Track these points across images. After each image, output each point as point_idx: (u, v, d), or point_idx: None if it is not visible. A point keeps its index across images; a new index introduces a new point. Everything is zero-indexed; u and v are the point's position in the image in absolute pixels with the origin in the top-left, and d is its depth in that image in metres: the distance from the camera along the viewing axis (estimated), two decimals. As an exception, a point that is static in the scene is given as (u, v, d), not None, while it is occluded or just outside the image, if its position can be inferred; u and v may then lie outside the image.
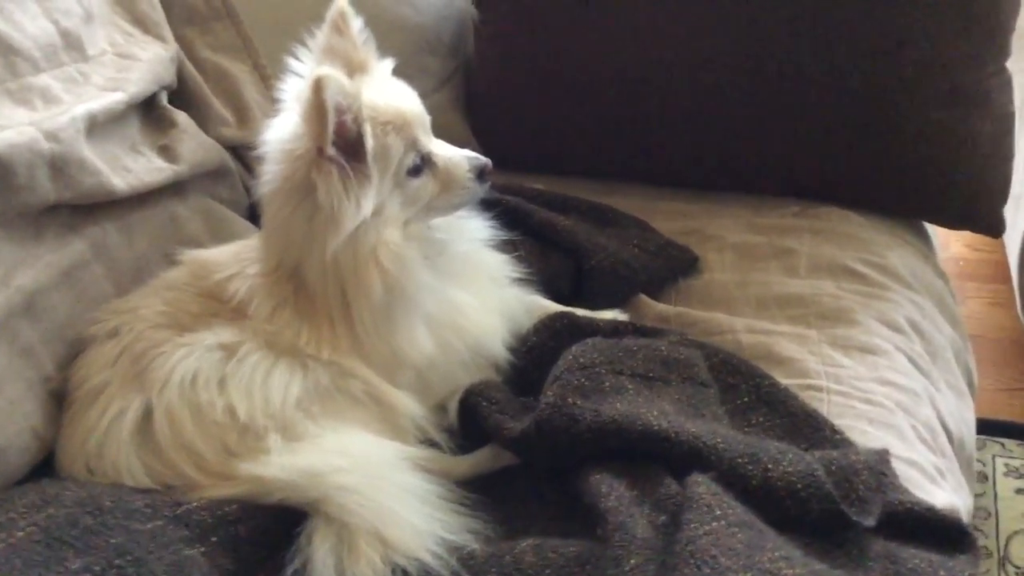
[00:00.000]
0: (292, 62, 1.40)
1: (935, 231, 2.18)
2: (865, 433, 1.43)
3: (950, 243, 3.30)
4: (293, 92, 1.38)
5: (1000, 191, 1.96)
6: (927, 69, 1.87)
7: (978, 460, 2.47)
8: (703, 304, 1.73)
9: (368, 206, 1.30)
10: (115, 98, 1.48)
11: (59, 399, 1.35)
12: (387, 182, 1.34)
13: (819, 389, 1.51)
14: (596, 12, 2.02)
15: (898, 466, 1.34)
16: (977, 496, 2.36)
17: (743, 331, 1.63)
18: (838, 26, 1.88)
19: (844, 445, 1.36)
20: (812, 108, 1.94)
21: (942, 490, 1.40)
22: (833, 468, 1.23)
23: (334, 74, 1.24)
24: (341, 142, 1.27)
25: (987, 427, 2.54)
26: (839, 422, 1.41)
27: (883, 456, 1.30)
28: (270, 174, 1.35)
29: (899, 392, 1.53)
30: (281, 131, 1.35)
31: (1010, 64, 1.91)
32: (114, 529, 1.11)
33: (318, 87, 1.21)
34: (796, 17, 1.89)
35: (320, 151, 1.26)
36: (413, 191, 1.38)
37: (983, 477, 2.44)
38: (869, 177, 1.97)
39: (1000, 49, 1.88)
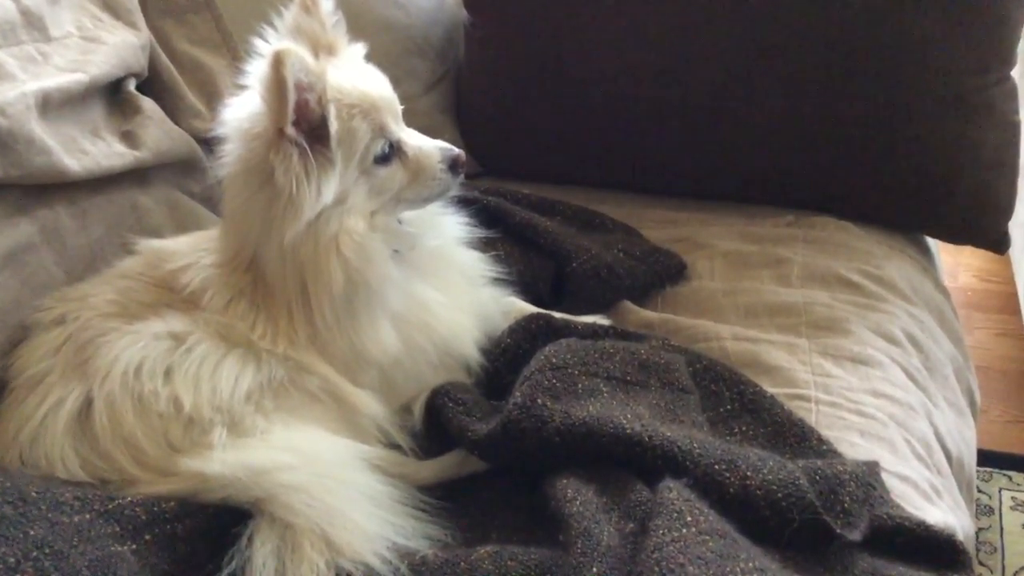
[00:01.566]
0: (258, 43, 1.34)
1: (942, 259, 2.12)
2: (855, 445, 1.35)
3: (958, 273, 3.24)
4: (255, 73, 1.31)
5: (1004, 204, 1.88)
6: (929, 76, 1.81)
7: (984, 493, 2.39)
8: (689, 311, 1.66)
9: (329, 192, 1.24)
10: (73, 78, 1.43)
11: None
12: (352, 169, 1.27)
13: (807, 399, 1.44)
14: (588, 18, 1.97)
15: (890, 481, 1.27)
16: (983, 530, 2.28)
17: (729, 338, 1.56)
18: (836, 32, 1.82)
19: (831, 456, 1.28)
20: (808, 116, 1.88)
21: (937, 508, 1.31)
22: (817, 478, 1.16)
23: (295, 49, 1.18)
24: (303, 123, 1.21)
25: (994, 459, 2.48)
26: (828, 433, 1.34)
27: (872, 468, 1.23)
28: (229, 156, 1.29)
29: (893, 405, 1.45)
30: (240, 110, 1.29)
31: (1015, 73, 1.84)
32: (36, 521, 1.04)
33: (277, 62, 1.15)
34: (792, 24, 1.83)
35: (280, 131, 1.20)
36: (380, 180, 1.31)
37: (989, 510, 2.36)
38: (867, 187, 1.91)
39: (1005, 57, 1.81)
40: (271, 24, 1.34)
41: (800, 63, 1.84)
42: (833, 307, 1.64)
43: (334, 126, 1.23)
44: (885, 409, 1.44)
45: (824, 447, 1.30)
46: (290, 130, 1.20)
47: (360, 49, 1.40)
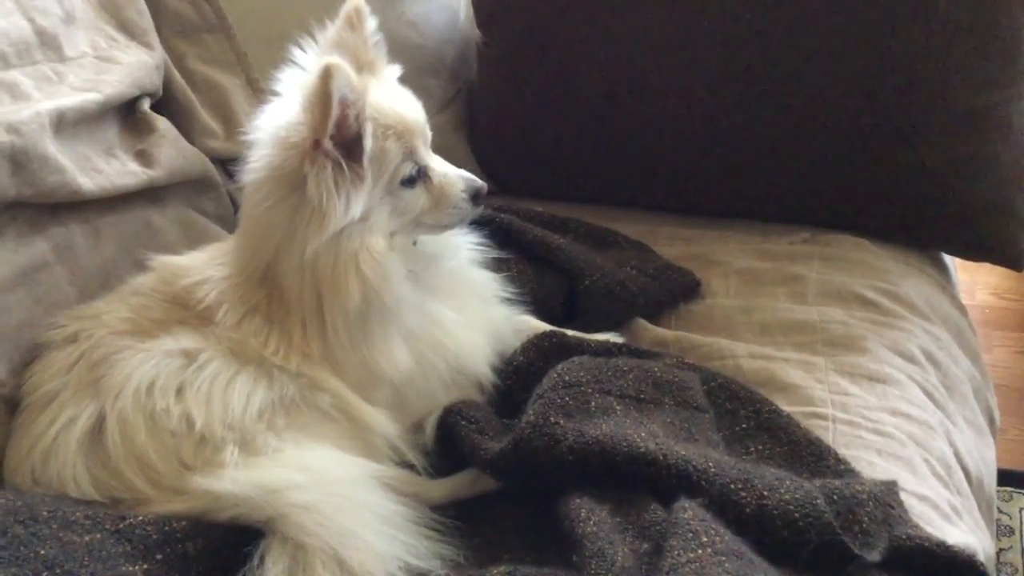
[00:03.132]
0: (295, 52, 1.34)
1: (959, 277, 2.09)
2: (873, 464, 1.33)
3: (976, 291, 3.21)
4: (293, 82, 1.32)
5: (1021, 220, 1.86)
6: (945, 93, 1.79)
7: (1004, 512, 2.36)
8: (704, 329, 1.65)
9: (357, 208, 1.24)
10: (88, 97, 1.44)
11: (12, 406, 1.29)
12: (379, 188, 1.28)
13: (824, 417, 1.42)
14: (600, 36, 1.96)
15: (908, 501, 1.25)
16: (1003, 551, 2.25)
17: (745, 356, 1.55)
18: (850, 48, 1.80)
19: (849, 476, 1.26)
20: (822, 132, 1.86)
21: (957, 529, 1.29)
22: (835, 497, 1.15)
23: (344, 65, 1.18)
24: (339, 138, 1.21)
25: (1014, 479, 2.45)
26: (845, 452, 1.33)
27: (891, 488, 1.21)
28: (258, 161, 1.28)
29: (911, 424, 1.43)
30: (276, 118, 1.29)
31: (1032, 88, 1.82)
32: (47, 540, 1.04)
33: (326, 75, 1.15)
34: (806, 40, 1.82)
35: (317, 143, 1.20)
36: (404, 202, 1.31)
37: (1009, 531, 2.33)
38: (883, 204, 1.89)
39: (1021, 71, 1.79)
40: (290, 43, 1.35)
41: (816, 81, 1.83)
42: (849, 325, 1.63)
43: (369, 144, 1.23)
44: (903, 428, 1.42)
45: (841, 466, 1.28)
46: (327, 143, 1.20)
47: (396, 71, 1.41)
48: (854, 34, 1.80)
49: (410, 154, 1.31)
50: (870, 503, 1.15)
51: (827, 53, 1.82)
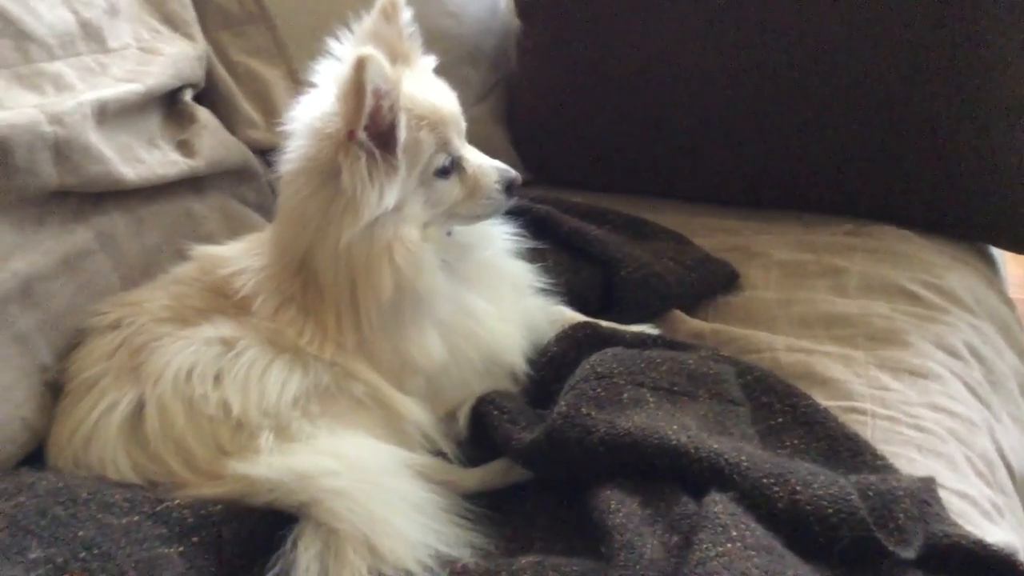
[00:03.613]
0: (331, 43, 1.35)
1: (1008, 270, 2.05)
2: (912, 461, 1.31)
3: (1024, 282, 3.12)
4: (329, 73, 1.33)
5: (1071, 213, 1.81)
6: (993, 83, 1.76)
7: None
8: (742, 321, 1.64)
9: (391, 198, 1.25)
10: (130, 88, 1.46)
11: (55, 390, 1.32)
12: (413, 179, 1.29)
13: (863, 412, 1.40)
14: (640, 25, 1.95)
15: (948, 498, 1.23)
16: (1050, 551, 2.18)
17: (783, 349, 1.53)
18: (894, 34, 1.77)
19: (886, 472, 1.24)
20: (870, 124, 1.83)
21: (998, 528, 1.27)
22: (870, 494, 1.13)
23: (378, 56, 1.19)
24: (373, 128, 1.22)
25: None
26: (883, 448, 1.30)
27: (928, 484, 1.18)
28: (294, 152, 1.30)
29: (953, 420, 1.41)
30: (311, 109, 1.30)
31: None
32: (85, 522, 1.06)
33: (360, 66, 1.16)
34: (856, 29, 1.79)
35: (351, 134, 1.22)
36: (438, 193, 1.32)
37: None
38: (929, 196, 1.86)
39: (1071, 61, 1.74)
40: (330, 34, 1.36)
41: (863, 70, 1.80)
42: (892, 318, 1.60)
43: (403, 135, 1.24)
44: (944, 424, 1.39)
45: (879, 462, 1.26)
46: (361, 133, 1.21)
47: (431, 61, 1.42)
48: (903, 24, 1.77)
49: (444, 145, 1.31)
50: (906, 500, 1.12)
51: (874, 42, 1.79)
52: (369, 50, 1.19)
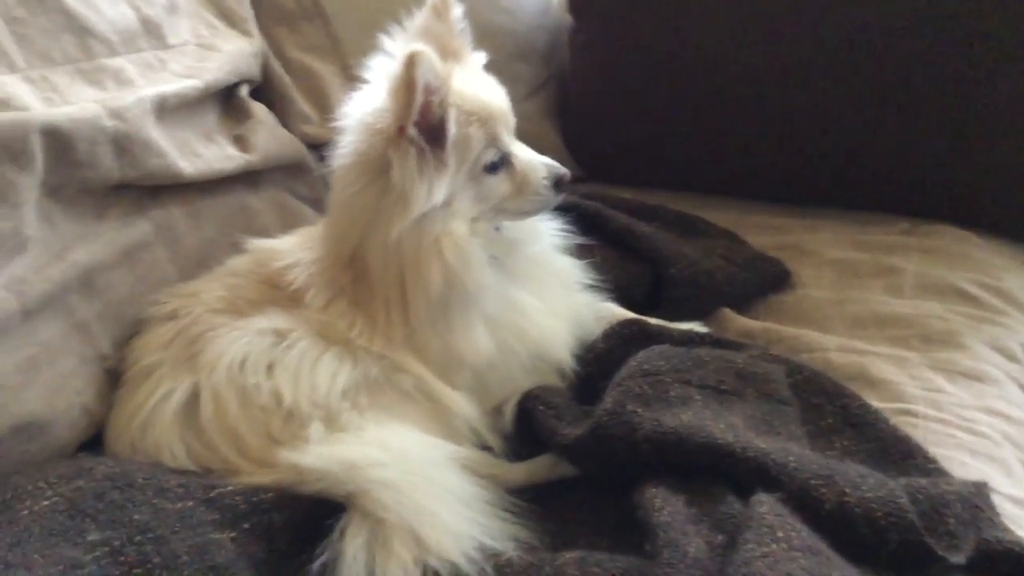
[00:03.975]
0: (384, 40, 1.37)
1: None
2: (964, 465, 1.29)
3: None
4: (381, 69, 1.34)
5: None
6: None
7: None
8: (793, 321, 1.62)
9: (440, 194, 1.26)
10: (189, 84, 1.50)
11: (115, 378, 1.35)
12: (462, 174, 1.30)
13: (915, 415, 1.38)
14: (693, 22, 1.94)
15: (1001, 503, 1.20)
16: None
17: (834, 350, 1.51)
18: (959, 27, 1.74)
19: (938, 475, 1.22)
20: (926, 118, 1.80)
21: (1053, 534, 1.23)
22: (920, 497, 1.12)
23: (428, 52, 1.20)
24: (423, 124, 1.23)
25: None
26: (936, 451, 1.28)
27: (980, 489, 1.16)
28: (346, 147, 1.32)
29: (1008, 424, 1.38)
30: (363, 105, 1.32)
31: None
32: (141, 506, 1.09)
33: (411, 63, 1.18)
34: (911, 16, 1.76)
35: (401, 129, 1.23)
36: (486, 188, 1.33)
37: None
38: (989, 195, 1.82)
39: None
40: (383, 31, 1.37)
41: (926, 64, 1.77)
42: (947, 319, 1.57)
43: (452, 130, 1.25)
44: (999, 428, 1.36)
45: (930, 465, 1.24)
46: (411, 129, 1.22)
47: (481, 58, 1.42)
48: (968, 15, 1.73)
49: (493, 140, 1.32)
50: (957, 504, 1.11)
51: (938, 35, 1.75)
52: (419, 46, 1.20)
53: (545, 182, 1.36)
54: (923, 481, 1.15)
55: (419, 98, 1.20)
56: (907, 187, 1.87)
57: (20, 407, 1.20)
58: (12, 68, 1.28)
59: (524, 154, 1.37)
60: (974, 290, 1.64)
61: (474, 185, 1.32)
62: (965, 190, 1.83)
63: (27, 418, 1.20)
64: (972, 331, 1.55)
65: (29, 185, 1.21)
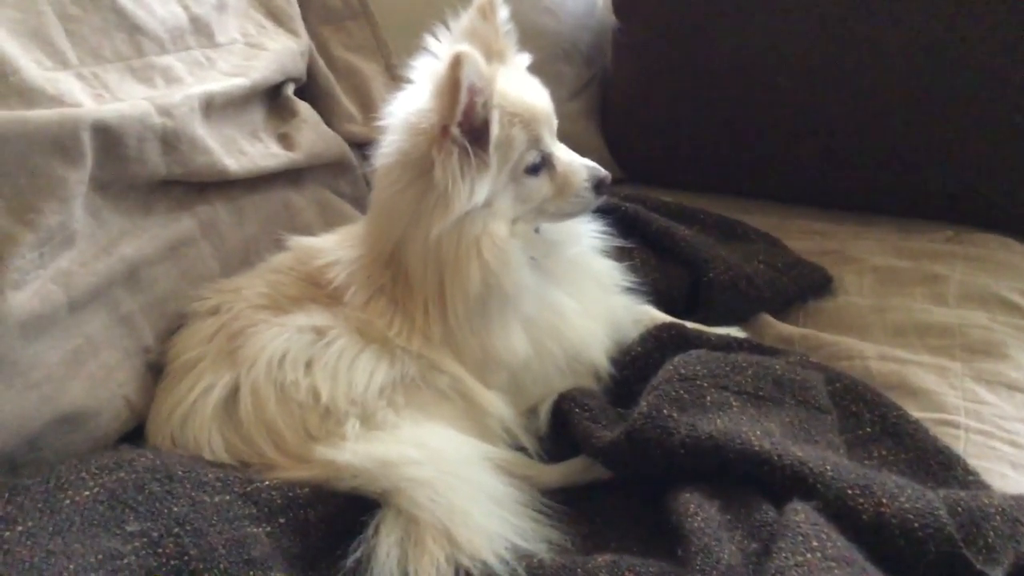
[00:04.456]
0: (429, 40, 1.38)
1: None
2: (1005, 477, 1.27)
3: None
4: (425, 69, 1.35)
5: None
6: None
7: None
8: (833, 327, 1.60)
9: (481, 194, 1.27)
10: (235, 82, 1.52)
11: (157, 371, 1.38)
12: (504, 175, 1.30)
13: (956, 426, 1.36)
14: (738, 24, 1.92)
15: (1043, 518, 1.17)
16: None
17: (874, 358, 1.49)
18: (1006, 31, 1.70)
19: (978, 487, 1.20)
20: (972, 125, 1.77)
21: (1097, 551, 1.21)
22: (959, 509, 1.10)
23: (473, 53, 1.21)
24: (466, 124, 1.24)
25: None
26: (976, 463, 1.27)
27: (1021, 502, 1.14)
28: (389, 146, 1.33)
29: (1052, 437, 1.35)
30: (408, 104, 1.33)
31: None
32: (180, 498, 1.11)
33: (456, 63, 1.19)
34: (957, 17, 1.73)
35: (445, 129, 1.24)
36: (527, 189, 1.33)
37: None
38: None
39: None
40: (428, 31, 1.38)
41: (972, 71, 1.74)
42: (991, 329, 1.55)
43: (495, 131, 1.26)
44: (1042, 441, 1.34)
45: (970, 477, 1.23)
46: (455, 129, 1.23)
47: (525, 59, 1.43)
48: (1011, 27, 1.70)
49: (535, 142, 1.32)
50: (997, 517, 1.09)
51: (983, 39, 1.72)
52: (465, 47, 1.21)
53: (586, 184, 1.36)
54: (962, 493, 1.14)
55: (463, 99, 1.21)
56: (952, 194, 1.85)
57: (64, 398, 1.22)
58: (65, 65, 1.31)
59: (565, 156, 1.38)
60: (1019, 299, 1.62)
61: (515, 186, 1.32)
62: (1011, 198, 1.80)
63: (71, 409, 1.23)
64: (1016, 341, 1.52)
65: (78, 180, 1.23)
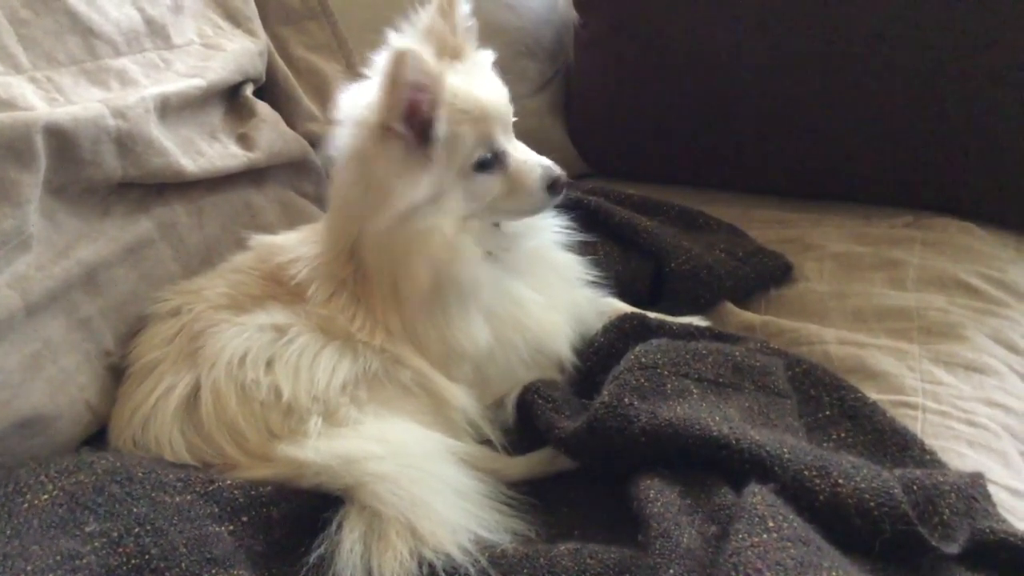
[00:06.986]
0: (391, 36, 1.36)
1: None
2: (963, 456, 1.29)
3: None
4: (379, 64, 1.34)
5: None
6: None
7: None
8: (793, 314, 1.62)
9: (423, 190, 1.27)
10: (192, 83, 1.51)
11: (118, 374, 1.37)
12: (451, 172, 1.30)
13: (914, 407, 1.38)
14: (698, 17, 1.93)
15: (999, 494, 1.21)
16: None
17: (833, 342, 1.51)
18: (958, 20, 1.73)
19: (934, 466, 1.22)
20: (929, 111, 1.79)
21: (1053, 525, 1.23)
22: (914, 487, 1.11)
23: (416, 50, 1.21)
24: (413, 120, 1.24)
25: None
26: (934, 443, 1.28)
27: (976, 480, 1.16)
28: (340, 140, 1.34)
29: (1008, 415, 1.38)
30: (357, 99, 1.33)
31: None
32: (140, 499, 1.11)
33: (397, 61, 1.19)
34: (910, 9, 1.75)
35: (387, 125, 1.24)
36: (478, 187, 1.33)
37: None
38: (994, 187, 1.81)
39: None
40: (388, 29, 1.37)
41: (925, 57, 1.76)
42: (949, 312, 1.57)
43: (441, 129, 1.26)
44: (998, 419, 1.36)
45: (927, 457, 1.24)
46: (397, 125, 1.23)
47: (489, 56, 1.42)
48: (967, 9, 1.72)
49: (485, 139, 1.31)
50: (952, 494, 1.10)
51: (937, 28, 1.74)
52: (408, 44, 1.21)
53: (539, 183, 1.35)
54: (918, 472, 1.15)
55: (404, 95, 1.21)
56: (911, 180, 1.87)
57: (24, 403, 1.22)
58: (17, 69, 1.30)
59: (520, 154, 1.37)
60: (977, 282, 1.64)
61: (465, 183, 1.32)
62: (969, 183, 1.82)
63: (30, 413, 1.22)
64: (974, 323, 1.54)
65: (32, 184, 1.22)
